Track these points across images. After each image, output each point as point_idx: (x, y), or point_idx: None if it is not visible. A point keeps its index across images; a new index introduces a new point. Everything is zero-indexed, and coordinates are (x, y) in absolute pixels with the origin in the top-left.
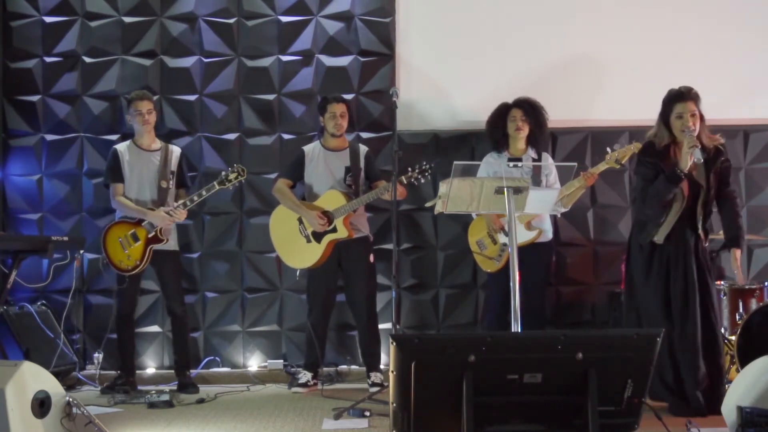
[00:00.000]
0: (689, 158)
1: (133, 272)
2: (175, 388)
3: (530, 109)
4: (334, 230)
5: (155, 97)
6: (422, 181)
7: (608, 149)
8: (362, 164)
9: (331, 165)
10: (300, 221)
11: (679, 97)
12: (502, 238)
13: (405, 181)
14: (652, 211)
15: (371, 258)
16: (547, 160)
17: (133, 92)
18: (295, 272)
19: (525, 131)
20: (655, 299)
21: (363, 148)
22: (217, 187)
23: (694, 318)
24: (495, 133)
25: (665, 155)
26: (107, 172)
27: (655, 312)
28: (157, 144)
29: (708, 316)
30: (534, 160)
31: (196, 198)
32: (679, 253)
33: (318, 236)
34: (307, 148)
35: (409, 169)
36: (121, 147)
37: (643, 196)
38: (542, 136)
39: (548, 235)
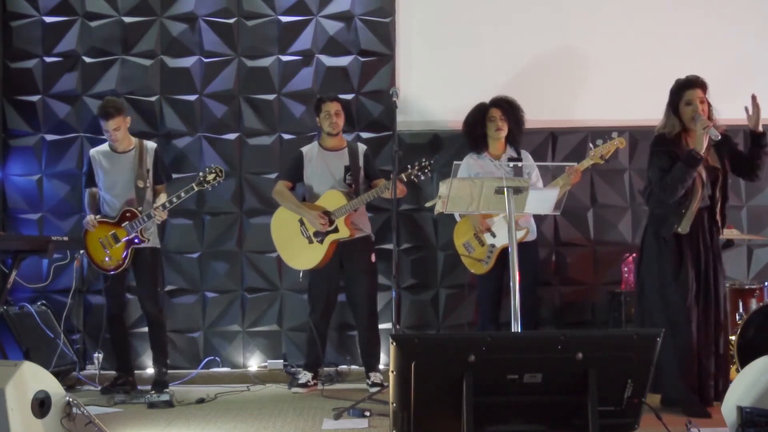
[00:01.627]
0: (704, 139)
1: (116, 272)
2: (174, 388)
3: (509, 108)
4: (336, 230)
5: (155, 98)
6: (422, 178)
7: (591, 145)
8: (361, 163)
9: (330, 165)
10: (301, 222)
11: (688, 85)
12: (489, 239)
13: (405, 179)
14: (674, 199)
15: (373, 257)
16: (528, 159)
17: (100, 104)
18: (297, 273)
19: (504, 131)
20: (686, 294)
21: (362, 147)
22: (196, 188)
23: (709, 309)
24: (474, 133)
25: (678, 143)
26: (85, 176)
27: (683, 307)
28: (132, 143)
29: (717, 306)
30: (513, 158)
31: (175, 200)
32: (702, 241)
33: (320, 236)
34: (305, 149)
35: (409, 166)
36: (96, 152)
37: (663, 186)
38: (521, 135)
39: (534, 234)
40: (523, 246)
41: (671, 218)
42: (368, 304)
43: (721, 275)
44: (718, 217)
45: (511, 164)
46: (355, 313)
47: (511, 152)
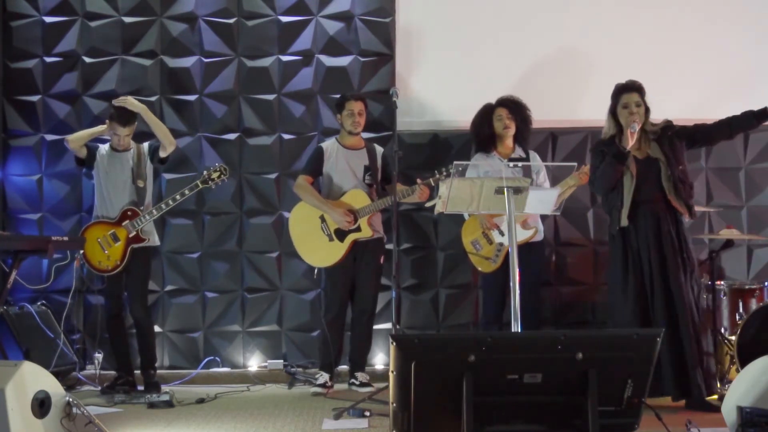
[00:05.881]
0: (629, 134)
1: (113, 273)
2: (174, 388)
3: (515, 106)
4: (358, 229)
5: (155, 98)
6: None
7: None
8: (379, 164)
9: (351, 163)
10: (322, 219)
11: (624, 89)
12: (497, 238)
13: (432, 184)
14: (602, 193)
15: (382, 259)
16: (536, 159)
17: (118, 110)
18: (297, 273)
19: (512, 129)
20: (632, 293)
21: (379, 149)
22: (200, 186)
23: (670, 303)
24: (481, 133)
25: (611, 144)
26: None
27: (634, 305)
28: (130, 144)
29: (682, 301)
30: (514, 158)
31: (178, 197)
32: (645, 235)
33: (341, 235)
34: (325, 145)
35: (436, 172)
36: (100, 150)
37: (592, 181)
38: (528, 134)
39: (541, 234)
40: (530, 246)
41: (614, 214)
42: (371, 305)
43: (684, 267)
44: (675, 204)
45: (520, 164)
46: (357, 312)
47: (519, 152)
